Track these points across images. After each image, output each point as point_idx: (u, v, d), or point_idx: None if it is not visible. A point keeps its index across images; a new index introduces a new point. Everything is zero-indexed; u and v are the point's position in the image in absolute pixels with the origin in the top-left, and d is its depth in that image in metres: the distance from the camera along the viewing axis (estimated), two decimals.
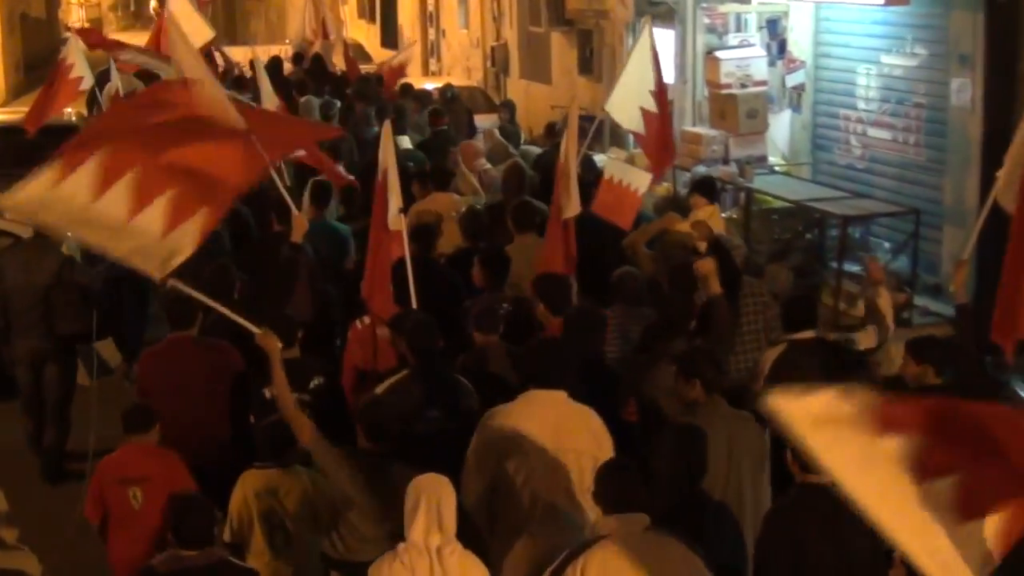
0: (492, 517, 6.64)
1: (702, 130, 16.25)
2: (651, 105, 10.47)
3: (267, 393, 7.44)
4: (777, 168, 15.51)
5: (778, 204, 13.94)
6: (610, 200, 10.22)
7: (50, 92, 15.16)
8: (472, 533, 5.97)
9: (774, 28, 16.15)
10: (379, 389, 7.08)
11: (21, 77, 36.28)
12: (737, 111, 15.64)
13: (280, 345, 6.90)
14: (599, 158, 15.47)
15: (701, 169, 15.07)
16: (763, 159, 15.72)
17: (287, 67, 20.70)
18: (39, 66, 39.90)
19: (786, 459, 5.96)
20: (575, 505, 6.48)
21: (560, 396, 6.64)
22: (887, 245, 13.52)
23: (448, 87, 19.39)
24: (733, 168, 15.26)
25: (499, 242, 9.66)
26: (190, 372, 8.10)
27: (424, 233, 9.35)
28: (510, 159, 13.50)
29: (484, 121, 18.13)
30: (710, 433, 6.39)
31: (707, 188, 10.83)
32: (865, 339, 8.33)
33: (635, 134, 10.84)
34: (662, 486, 6.02)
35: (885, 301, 8.56)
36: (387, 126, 8.71)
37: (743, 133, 15.74)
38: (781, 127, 16.12)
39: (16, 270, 10.29)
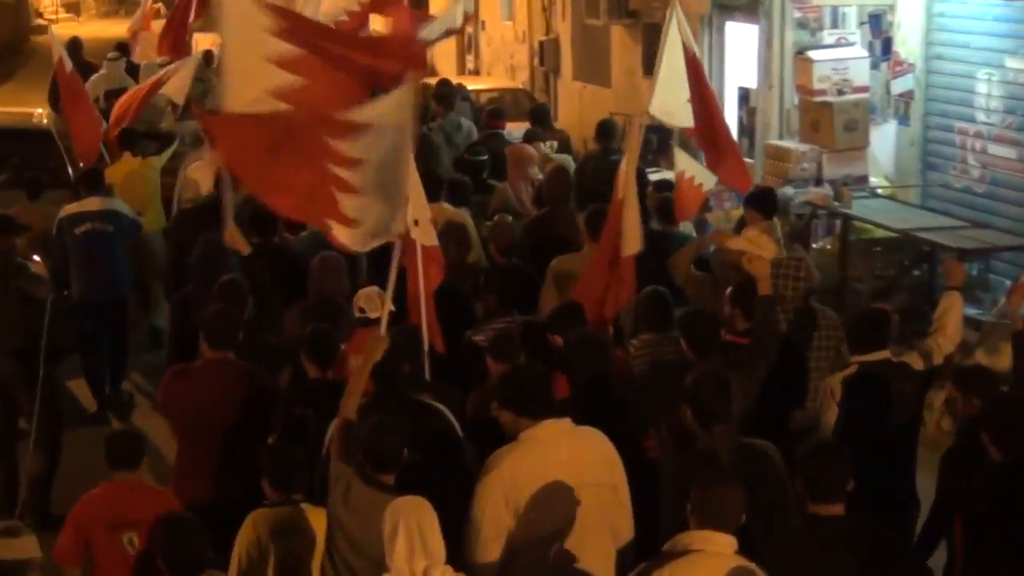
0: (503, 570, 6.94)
1: (791, 144, 16.29)
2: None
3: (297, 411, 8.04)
4: (880, 191, 15.54)
5: (881, 234, 13.97)
6: (684, 200, 11.18)
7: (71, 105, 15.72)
8: None
9: (878, 24, 16.20)
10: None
11: None
12: (833, 122, 15.68)
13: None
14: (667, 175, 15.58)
15: (789, 191, 15.11)
16: (863, 180, 15.74)
17: None
18: (7, 58, 40.37)
19: (798, 488, 6.52)
20: (599, 543, 6.93)
21: (566, 425, 6.98)
22: (1010, 284, 13.51)
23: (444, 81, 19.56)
24: (827, 190, 15.29)
25: (545, 258, 10.24)
26: (219, 395, 8.57)
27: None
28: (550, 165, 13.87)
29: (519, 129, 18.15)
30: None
31: (762, 201, 11.18)
32: (913, 361, 8.71)
33: (688, 131, 11.56)
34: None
35: (955, 314, 8.81)
36: None
37: (840, 149, 15.77)
38: (885, 142, 16.15)
39: None
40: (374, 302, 9.07)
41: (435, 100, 17.00)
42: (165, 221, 14.43)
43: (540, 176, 13.62)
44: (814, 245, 14.77)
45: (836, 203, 14.86)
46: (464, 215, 12.04)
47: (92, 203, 12.95)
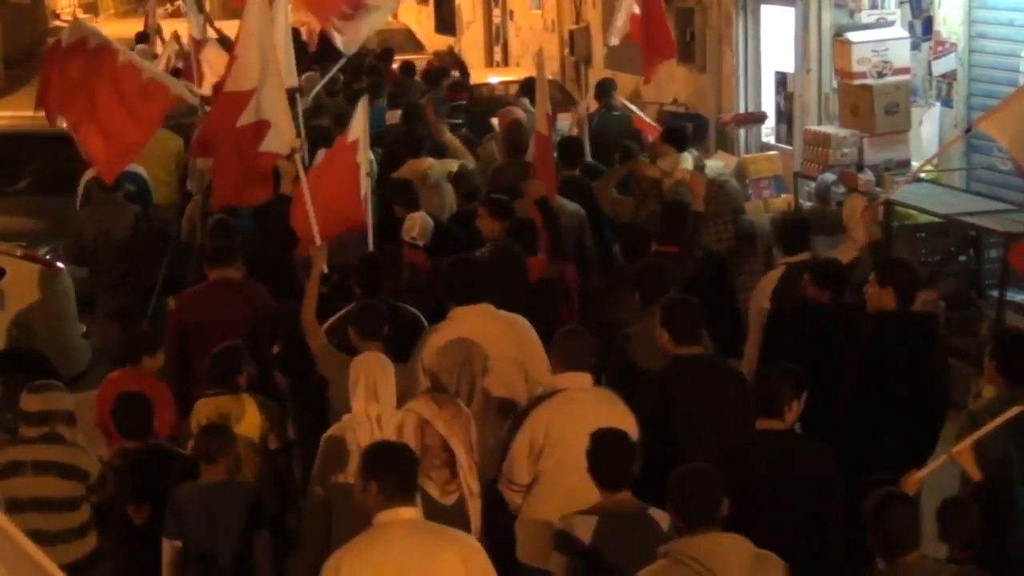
0: None
1: (830, 129, 16.30)
2: (636, 9, 14.08)
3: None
4: (923, 175, 15.52)
5: (925, 219, 13.95)
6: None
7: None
8: None
9: (918, 3, 16.20)
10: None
11: (1, 74, 36.83)
12: (873, 106, 15.69)
13: (324, 263, 9.67)
14: (712, 164, 15.68)
15: (829, 177, 15.12)
16: (906, 164, 15.75)
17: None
18: (24, 61, 40.51)
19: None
20: (500, 407, 8.53)
21: (485, 308, 8.73)
22: None
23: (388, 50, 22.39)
24: (868, 175, 15.30)
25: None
26: (228, 312, 9.95)
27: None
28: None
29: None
30: (680, 389, 7.95)
31: (676, 136, 13.23)
32: (845, 252, 9.89)
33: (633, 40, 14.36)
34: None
35: (858, 211, 10.40)
36: (364, 100, 11.34)
37: (881, 133, 15.79)
38: (928, 125, 16.14)
39: (94, 228, 12.78)
40: (421, 229, 10.78)
41: (422, 78, 20.20)
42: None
43: None
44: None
45: (878, 188, 14.86)
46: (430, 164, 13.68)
47: None
